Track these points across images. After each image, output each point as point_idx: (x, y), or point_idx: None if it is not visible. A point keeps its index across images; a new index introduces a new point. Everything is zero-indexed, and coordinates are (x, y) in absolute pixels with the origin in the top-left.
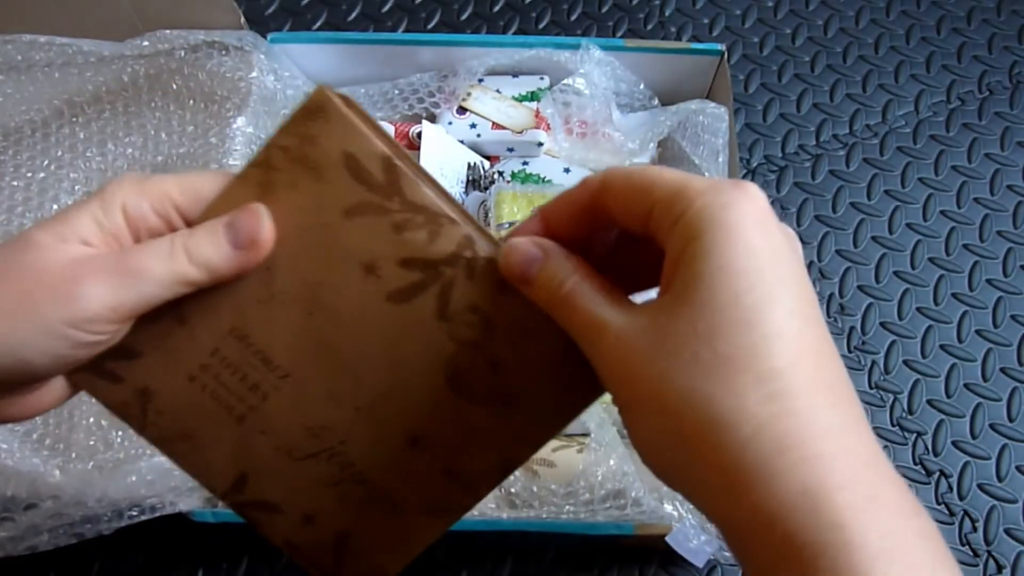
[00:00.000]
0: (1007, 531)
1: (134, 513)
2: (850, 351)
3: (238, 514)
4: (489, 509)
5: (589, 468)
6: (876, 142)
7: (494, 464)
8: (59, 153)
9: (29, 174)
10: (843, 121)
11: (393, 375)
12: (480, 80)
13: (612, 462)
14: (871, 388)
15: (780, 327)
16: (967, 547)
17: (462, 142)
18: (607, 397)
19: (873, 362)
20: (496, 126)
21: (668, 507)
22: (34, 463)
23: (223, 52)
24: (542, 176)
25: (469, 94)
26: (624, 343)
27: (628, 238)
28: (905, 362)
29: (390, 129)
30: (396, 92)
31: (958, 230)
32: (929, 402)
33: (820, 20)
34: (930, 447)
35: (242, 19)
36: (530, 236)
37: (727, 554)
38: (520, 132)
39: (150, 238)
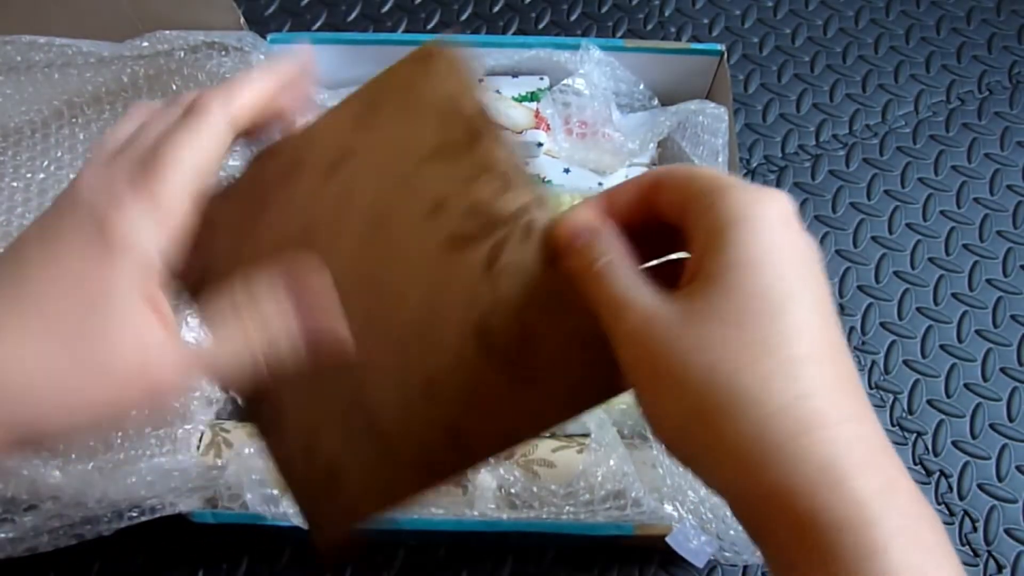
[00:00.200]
0: (1007, 531)
1: (134, 514)
2: (850, 351)
3: (249, 419)
4: (489, 510)
5: (589, 468)
6: (876, 142)
7: (496, 434)
8: (59, 154)
9: (29, 175)
10: (843, 121)
11: (429, 317)
12: (480, 80)
13: (612, 462)
14: (871, 388)
15: (803, 320)
16: (967, 547)
17: None
18: None
19: (873, 362)
20: None
21: (668, 507)
22: (34, 464)
23: (223, 53)
24: (542, 176)
25: None
26: (651, 321)
27: (664, 240)
28: (905, 362)
29: None
30: None
31: (958, 230)
32: (929, 402)
33: (820, 20)
34: (930, 447)
35: (242, 20)
36: (586, 213)
37: (727, 554)
38: (520, 132)
39: None
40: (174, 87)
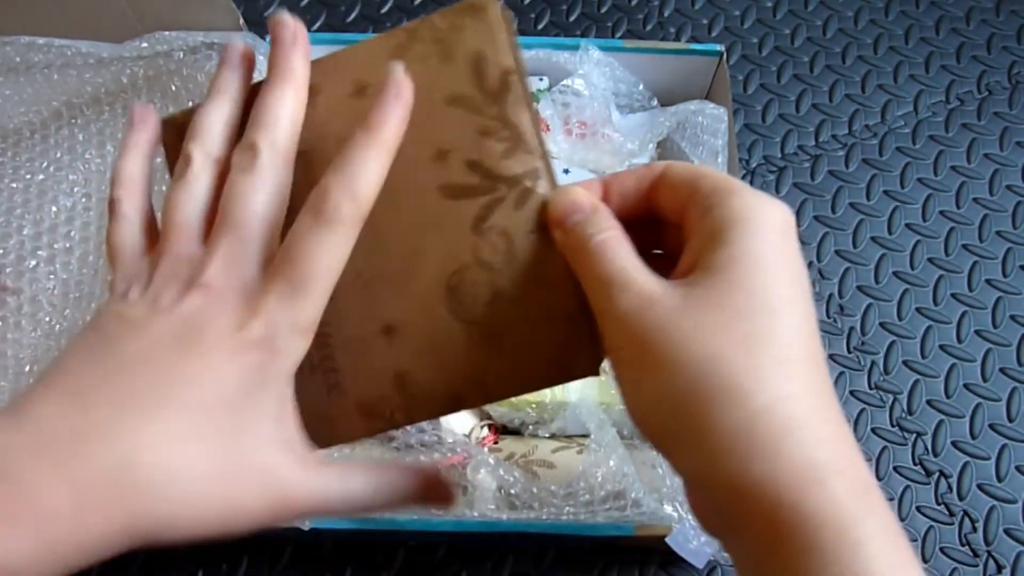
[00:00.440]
0: (1007, 531)
1: None
2: (850, 351)
3: None
4: (489, 510)
5: (589, 469)
6: (875, 142)
7: (443, 391)
8: (58, 155)
9: (28, 176)
10: (842, 121)
11: (405, 259)
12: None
13: (612, 463)
14: (871, 388)
15: (797, 323)
16: (967, 547)
17: None
18: (607, 398)
19: (873, 362)
20: None
21: (668, 508)
22: None
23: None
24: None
25: None
26: (650, 302)
27: (647, 240)
28: (905, 362)
29: None
30: None
31: (957, 230)
32: (929, 402)
33: (819, 20)
34: (930, 447)
35: (241, 20)
36: (586, 190)
37: (727, 555)
38: None
39: None
40: (173, 88)
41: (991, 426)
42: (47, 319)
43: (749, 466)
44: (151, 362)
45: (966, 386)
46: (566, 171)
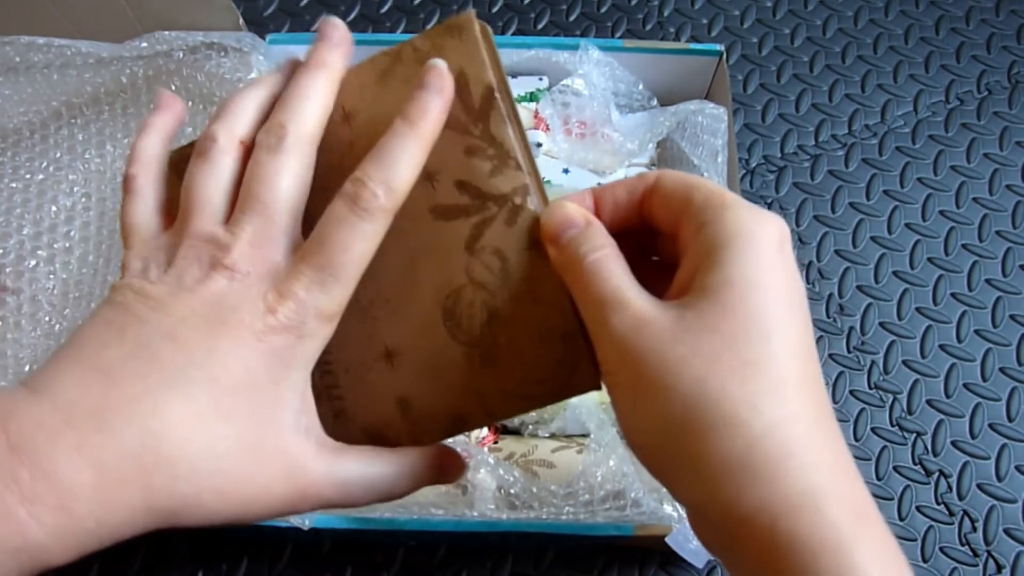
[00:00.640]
0: (1007, 531)
1: None
2: (849, 351)
3: None
4: (489, 510)
5: (589, 469)
6: (875, 142)
7: (446, 413)
8: (58, 155)
9: (28, 176)
10: (842, 121)
11: (401, 283)
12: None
13: (612, 463)
14: (871, 388)
15: (792, 345)
16: (967, 547)
17: None
18: (607, 397)
19: (873, 362)
20: None
21: (668, 508)
22: None
23: (222, 53)
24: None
25: None
26: (643, 324)
27: (640, 251)
28: (904, 362)
29: None
30: None
31: (957, 230)
32: (929, 402)
33: (819, 20)
34: (930, 447)
35: (241, 20)
36: (578, 205)
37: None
38: None
39: None
40: (173, 88)
41: (991, 426)
42: (47, 319)
43: (745, 493)
44: (177, 341)
45: (966, 386)
46: (566, 171)
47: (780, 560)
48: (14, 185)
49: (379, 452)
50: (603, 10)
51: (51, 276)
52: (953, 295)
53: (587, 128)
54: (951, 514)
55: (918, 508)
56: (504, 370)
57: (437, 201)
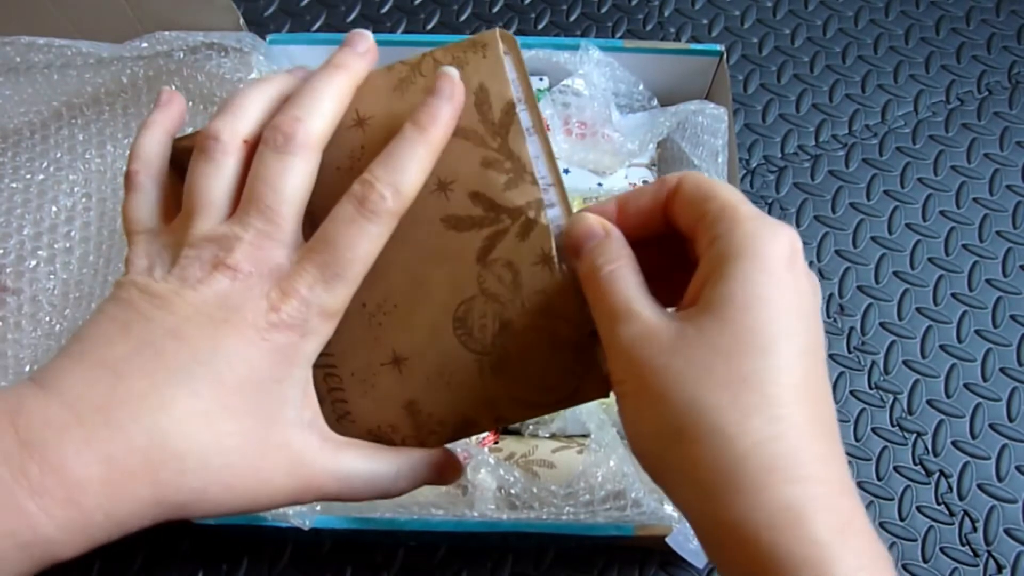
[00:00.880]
0: (1007, 531)
1: None
2: (850, 351)
3: None
4: (489, 510)
5: (589, 469)
6: (875, 142)
7: (454, 418)
8: (58, 155)
9: (28, 176)
10: (842, 121)
11: (410, 291)
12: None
13: (612, 463)
14: (871, 388)
15: (791, 360)
16: (967, 547)
17: None
18: (606, 398)
19: (873, 362)
20: None
21: (668, 508)
22: None
23: (222, 53)
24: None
25: None
26: (649, 335)
27: (672, 253)
28: (905, 362)
29: None
30: None
31: (957, 230)
32: (929, 402)
33: (819, 20)
34: (930, 447)
35: (241, 20)
36: (599, 216)
37: None
38: None
39: None
40: (173, 88)
41: (991, 426)
42: (47, 319)
43: (732, 506)
44: (181, 338)
45: (966, 386)
46: (566, 171)
47: (764, 573)
48: (14, 185)
49: (381, 449)
50: (603, 10)
51: (51, 276)
52: (953, 295)
53: (587, 128)
54: (951, 514)
55: (918, 508)
56: (514, 378)
57: (450, 211)
